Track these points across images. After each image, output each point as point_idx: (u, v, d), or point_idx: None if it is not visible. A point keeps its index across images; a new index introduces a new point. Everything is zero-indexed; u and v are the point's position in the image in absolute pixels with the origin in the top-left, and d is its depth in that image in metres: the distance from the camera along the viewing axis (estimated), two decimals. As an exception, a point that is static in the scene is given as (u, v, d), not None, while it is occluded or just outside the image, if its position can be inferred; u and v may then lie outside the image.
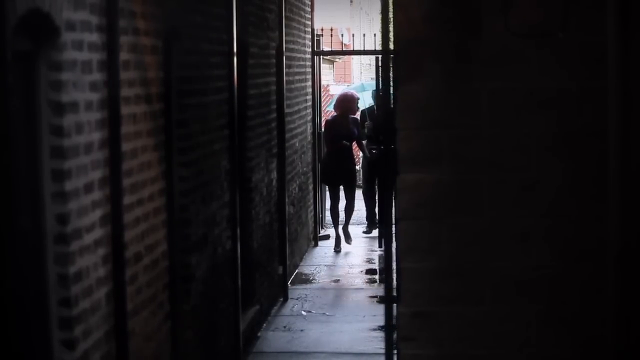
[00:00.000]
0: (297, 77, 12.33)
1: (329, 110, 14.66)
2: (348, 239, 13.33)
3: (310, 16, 13.73)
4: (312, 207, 13.72)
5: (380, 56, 10.99)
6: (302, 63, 12.90)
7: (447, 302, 5.10)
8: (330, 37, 14.11)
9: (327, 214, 14.29)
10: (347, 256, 12.94)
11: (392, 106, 6.28)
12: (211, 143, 7.41)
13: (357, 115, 13.97)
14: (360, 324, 9.62)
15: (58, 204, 4.45)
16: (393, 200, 6.68)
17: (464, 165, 5.05)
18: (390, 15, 5.33)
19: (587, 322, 5.08)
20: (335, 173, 13.12)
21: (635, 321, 4.91)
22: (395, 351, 5.54)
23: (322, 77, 15.46)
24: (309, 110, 13.58)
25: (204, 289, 7.14)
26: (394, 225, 6.00)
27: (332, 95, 20.90)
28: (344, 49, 20.74)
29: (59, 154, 4.43)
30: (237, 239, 7.59)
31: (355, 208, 13.74)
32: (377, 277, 11.56)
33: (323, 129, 14.11)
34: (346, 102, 13.34)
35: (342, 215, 13.41)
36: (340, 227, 13.35)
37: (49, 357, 4.50)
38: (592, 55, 4.97)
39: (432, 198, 5.06)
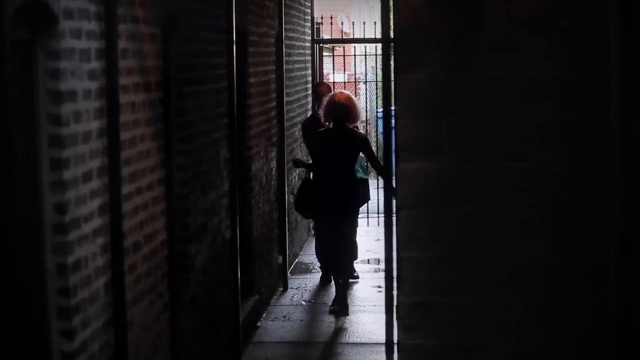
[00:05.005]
0: (296, 66, 12.30)
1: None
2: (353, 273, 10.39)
3: (310, 4, 13.69)
4: (312, 196, 13.66)
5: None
6: (301, 51, 12.87)
7: (448, 292, 5.09)
8: (330, 25, 14.05)
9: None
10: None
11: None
12: (210, 132, 7.39)
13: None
14: (360, 313, 9.60)
15: (56, 193, 4.43)
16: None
17: (464, 154, 5.03)
18: (391, 2, 5.31)
19: (587, 311, 5.06)
20: (334, 200, 9.38)
21: (637, 310, 4.90)
22: (396, 341, 5.52)
23: (323, 65, 15.31)
24: (309, 99, 13.53)
25: (203, 278, 7.12)
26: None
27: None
28: (343, 37, 20.69)
29: (57, 143, 4.41)
30: (236, 228, 7.57)
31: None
32: (379, 266, 11.54)
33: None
34: (339, 107, 9.42)
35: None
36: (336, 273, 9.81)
37: (48, 347, 4.49)
38: (593, 43, 4.95)
39: (432, 187, 5.04)
